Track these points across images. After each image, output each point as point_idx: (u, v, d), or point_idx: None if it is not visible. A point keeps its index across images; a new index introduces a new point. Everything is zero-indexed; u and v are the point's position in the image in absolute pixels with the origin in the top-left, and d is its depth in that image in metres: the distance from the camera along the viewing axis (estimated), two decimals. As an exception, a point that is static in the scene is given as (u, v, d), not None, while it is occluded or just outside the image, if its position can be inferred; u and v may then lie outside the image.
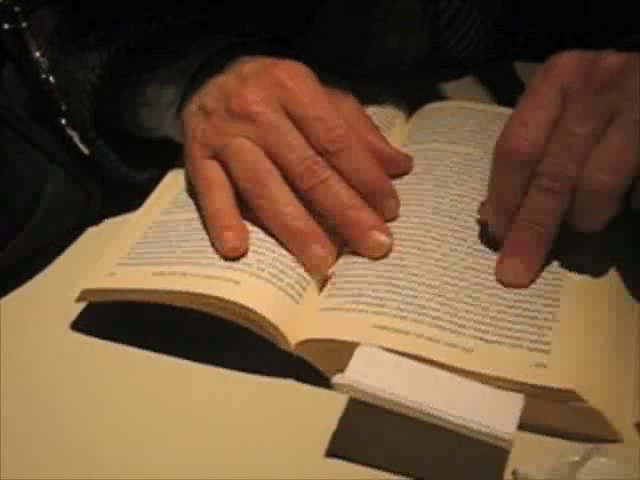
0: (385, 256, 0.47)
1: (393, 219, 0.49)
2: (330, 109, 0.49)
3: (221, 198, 0.49)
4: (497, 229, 0.47)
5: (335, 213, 0.48)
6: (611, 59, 0.44)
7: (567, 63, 0.45)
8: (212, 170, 0.50)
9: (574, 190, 0.44)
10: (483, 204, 0.49)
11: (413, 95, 0.61)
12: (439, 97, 0.63)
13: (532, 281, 0.46)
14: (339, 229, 0.48)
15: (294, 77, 0.50)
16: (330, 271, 0.48)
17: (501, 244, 0.47)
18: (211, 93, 0.52)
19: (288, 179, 0.49)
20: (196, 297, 0.45)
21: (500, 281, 0.46)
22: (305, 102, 0.49)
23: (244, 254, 0.47)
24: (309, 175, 0.48)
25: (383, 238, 0.48)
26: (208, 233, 0.49)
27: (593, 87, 0.44)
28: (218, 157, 0.50)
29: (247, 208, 0.49)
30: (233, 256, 0.47)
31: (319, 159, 0.48)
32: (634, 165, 0.43)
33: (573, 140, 0.44)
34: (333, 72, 0.54)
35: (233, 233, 0.48)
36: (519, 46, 0.66)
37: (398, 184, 0.51)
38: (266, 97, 0.49)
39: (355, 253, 0.48)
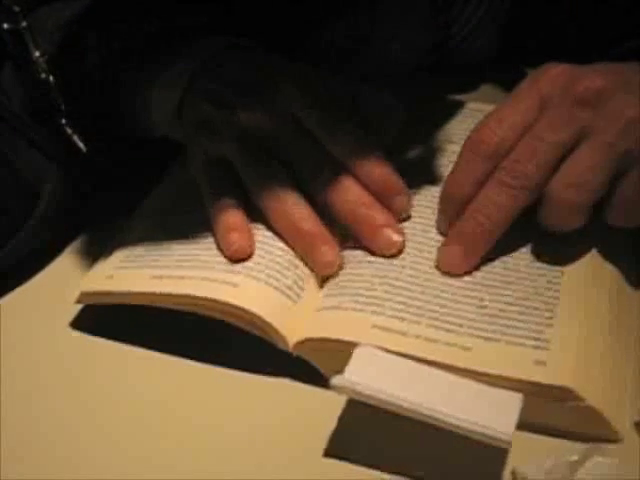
0: (385, 256, 0.47)
1: (406, 218, 0.49)
2: None
3: (226, 199, 0.49)
4: (442, 217, 0.48)
5: (347, 211, 0.48)
6: (594, 78, 0.45)
7: (553, 75, 0.46)
8: (217, 171, 0.50)
9: (534, 191, 0.44)
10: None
11: (413, 95, 0.61)
12: (438, 98, 0.63)
13: (469, 272, 0.46)
14: (350, 227, 0.48)
15: None
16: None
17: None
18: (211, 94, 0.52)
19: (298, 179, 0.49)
20: (194, 300, 0.45)
21: (437, 267, 0.46)
22: None
23: (250, 255, 0.47)
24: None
25: (395, 236, 0.47)
26: (209, 235, 0.49)
27: (570, 100, 0.45)
28: (224, 158, 0.50)
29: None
30: (239, 257, 0.47)
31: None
32: (600, 184, 0.44)
33: (539, 145, 0.44)
34: (335, 72, 0.54)
35: (239, 234, 0.47)
36: (522, 50, 0.66)
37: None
38: None
39: (353, 252, 0.48)
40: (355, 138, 0.49)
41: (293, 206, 0.48)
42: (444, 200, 0.48)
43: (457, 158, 0.47)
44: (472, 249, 0.46)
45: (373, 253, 0.47)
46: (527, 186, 0.44)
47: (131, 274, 0.48)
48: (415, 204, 0.50)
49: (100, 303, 0.49)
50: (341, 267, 0.47)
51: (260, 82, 0.50)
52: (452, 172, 0.47)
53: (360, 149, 0.49)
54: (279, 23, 0.59)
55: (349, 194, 0.48)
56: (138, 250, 0.50)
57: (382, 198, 0.48)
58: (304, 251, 0.47)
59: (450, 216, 0.47)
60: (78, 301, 0.49)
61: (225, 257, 0.47)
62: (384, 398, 0.39)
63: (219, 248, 0.48)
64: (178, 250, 0.49)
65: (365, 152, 0.49)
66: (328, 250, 0.47)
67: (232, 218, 0.48)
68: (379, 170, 0.48)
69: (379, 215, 0.48)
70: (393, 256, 0.47)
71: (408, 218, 0.49)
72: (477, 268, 0.46)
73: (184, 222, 0.51)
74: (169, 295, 0.46)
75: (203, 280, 0.46)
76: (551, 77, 0.46)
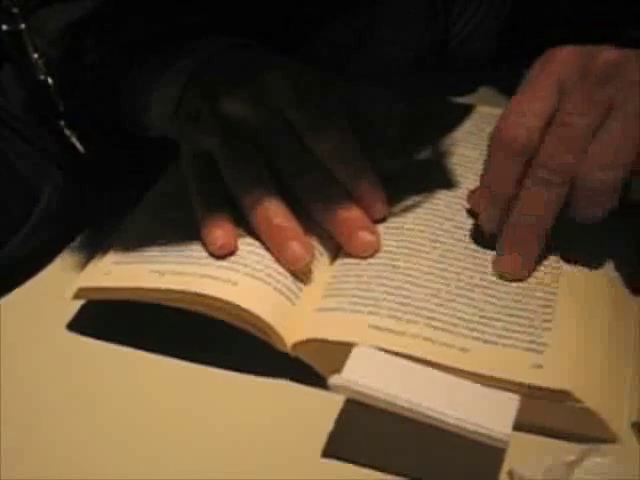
0: (381, 257, 0.47)
1: (384, 220, 0.49)
2: None
3: (210, 194, 0.49)
4: (489, 220, 0.47)
5: (325, 213, 0.48)
6: (608, 53, 0.44)
7: (565, 57, 0.45)
8: (203, 165, 0.50)
9: (572, 182, 0.44)
10: (473, 192, 0.49)
11: (414, 95, 0.61)
12: (438, 98, 0.63)
13: (530, 274, 0.46)
14: (328, 228, 0.48)
15: None
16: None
17: (494, 240, 0.46)
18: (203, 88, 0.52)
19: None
20: (192, 297, 0.45)
21: (499, 275, 0.46)
22: None
23: (233, 252, 0.47)
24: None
25: (370, 237, 0.47)
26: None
27: (591, 80, 0.44)
28: (210, 152, 0.50)
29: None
30: (222, 254, 0.47)
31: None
32: (632, 154, 0.43)
33: (570, 132, 0.44)
34: (335, 72, 0.54)
35: (222, 231, 0.47)
36: (522, 50, 0.66)
37: (394, 184, 0.51)
38: None
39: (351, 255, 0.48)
40: (339, 140, 0.49)
41: (265, 201, 0.47)
42: (485, 206, 0.47)
43: (488, 158, 0.46)
44: (528, 252, 0.46)
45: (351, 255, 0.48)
46: (567, 177, 0.44)
47: (129, 270, 0.48)
48: (413, 205, 0.50)
49: (97, 299, 0.48)
50: (310, 263, 0.47)
51: (252, 77, 0.50)
52: (486, 176, 0.46)
53: (342, 152, 0.49)
54: (279, 22, 0.59)
55: (328, 196, 0.48)
56: (136, 246, 0.49)
57: (360, 202, 0.48)
58: (274, 245, 0.47)
59: (494, 220, 0.46)
60: (75, 297, 0.48)
61: (209, 252, 0.47)
62: (382, 397, 0.39)
63: (203, 242, 0.48)
64: (177, 246, 0.48)
65: (347, 155, 0.49)
66: (296, 245, 0.47)
67: (216, 214, 0.48)
68: (359, 174, 0.48)
69: (355, 218, 0.48)
70: (390, 257, 0.47)
71: (384, 220, 0.49)
72: (475, 270, 0.46)
73: (183, 219, 0.50)
74: (167, 291, 0.46)
75: (202, 277, 0.46)
76: (563, 59, 0.45)
